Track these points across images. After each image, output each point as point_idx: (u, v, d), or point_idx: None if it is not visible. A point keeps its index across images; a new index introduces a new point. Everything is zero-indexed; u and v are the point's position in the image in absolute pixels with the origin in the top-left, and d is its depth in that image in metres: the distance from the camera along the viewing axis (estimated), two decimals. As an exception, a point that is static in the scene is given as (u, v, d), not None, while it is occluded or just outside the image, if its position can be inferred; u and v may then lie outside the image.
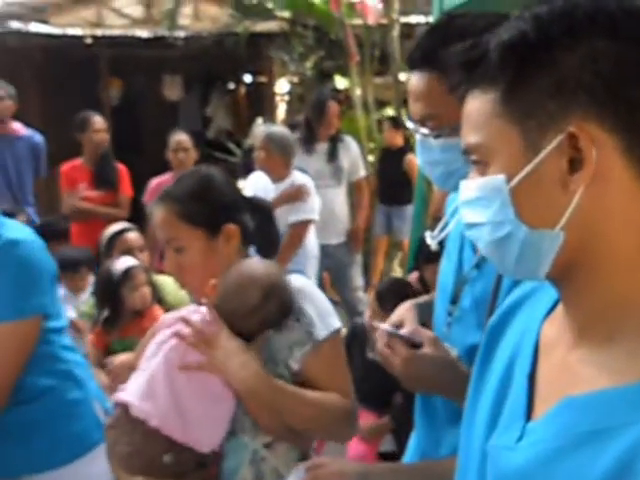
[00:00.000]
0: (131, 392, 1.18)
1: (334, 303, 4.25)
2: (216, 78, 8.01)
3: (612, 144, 0.56)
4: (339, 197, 3.75)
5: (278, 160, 3.17)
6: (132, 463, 1.15)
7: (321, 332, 1.22)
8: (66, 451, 1.50)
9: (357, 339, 2.60)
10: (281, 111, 6.58)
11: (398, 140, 4.71)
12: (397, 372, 1.08)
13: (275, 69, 6.53)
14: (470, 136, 0.63)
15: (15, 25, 6.00)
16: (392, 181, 4.65)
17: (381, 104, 5.63)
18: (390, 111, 5.50)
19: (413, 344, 1.06)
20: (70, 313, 2.85)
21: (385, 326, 1.11)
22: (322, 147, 3.72)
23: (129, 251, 2.51)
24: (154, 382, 1.16)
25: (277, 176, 3.15)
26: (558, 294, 0.64)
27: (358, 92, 5.29)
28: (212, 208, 1.29)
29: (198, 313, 1.23)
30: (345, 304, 3.88)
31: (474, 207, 0.64)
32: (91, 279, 2.75)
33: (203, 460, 1.16)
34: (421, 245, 2.83)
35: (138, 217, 3.58)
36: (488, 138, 0.61)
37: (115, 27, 6.55)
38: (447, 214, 1.15)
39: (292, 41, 5.95)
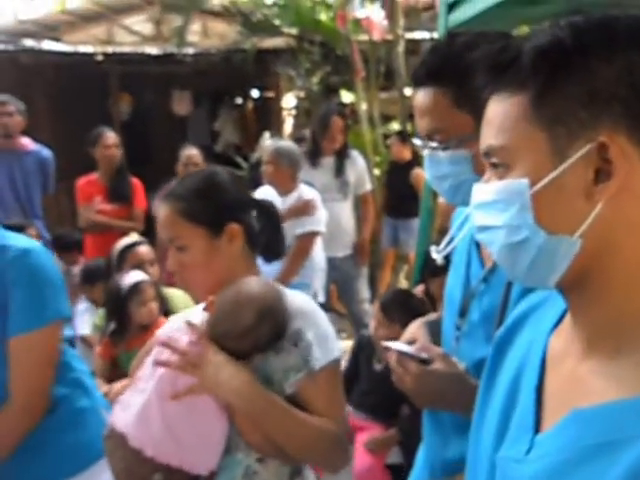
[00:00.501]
0: (126, 420, 1.15)
1: (340, 315, 4.27)
2: (224, 93, 8.07)
3: (638, 158, 0.56)
4: (345, 210, 3.76)
5: (286, 173, 3.20)
6: (125, 478, 1.15)
7: (318, 362, 1.17)
8: (74, 462, 1.47)
9: (364, 351, 2.60)
10: (288, 125, 6.62)
11: (406, 154, 4.73)
12: (408, 389, 1.08)
13: (282, 84, 6.58)
14: (493, 138, 0.62)
15: (28, 43, 6.08)
16: (399, 194, 4.67)
17: (386, 118, 5.65)
18: (396, 125, 5.52)
19: (423, 361, 1.07)
20: (83, 329, 2.87)
21: (395, 345, 1.12)
22: (328, 161, 3.74)
23: (140, 264, 2.53)
24: (148, 410, 1.14)
25: (284, 189, 3.17)
26: (567, 304, 0.64)
27: (364, 107, 5.32)
28: (215, 207, 1.26)
29: (185, 331, 1.19)
30: (351, 316, 3.87)
31: (489, 210, 0.63)
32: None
33: (195, 478, 1.14)
34: (427, 259, 2.84)
35: (149, 230, 3.62)
36: (513, 141, 0.60)
37: (125, 44, 6.63)
38: (453, 228, 1.17)
39: (299, 57, 6.00)
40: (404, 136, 4.82)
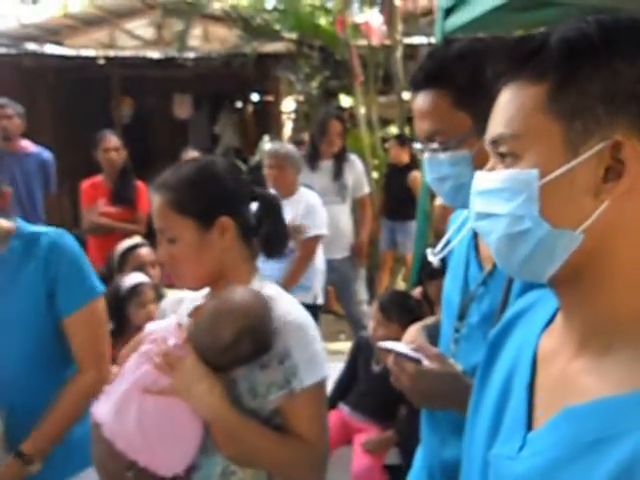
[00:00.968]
0: (104, 409, 1.15)
1: (338, 317, 4.26)
2: (225, 97, 8.09)
3: None
4: (343, 213, 3.77)
5: (290, 177, 3.22)
6: (100, 471, 1.17)
7: (300, 383, 1.13)
8: (82, 456, 1.41)
9: (362, 352, 2.60)
10: (287, 129, 6.63)
11: (404, 157, 4.75)
12: (404, 388, 1.09)
13: (282, 88, 6.59)
14: (505, 127, 0.61)
15: (31, 47, 6.09)
16: (397, 197, 4.68)
17: (385, 122, 5.67)
18: (394, 129, 5.54)
19: (418, 361, 1.08)
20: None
21: (391, 345, 1.12)
22: (326, 164, 3.75)
23: (141, 266, 2.52)
24: (126, 402, 1.13)
25: (287, 192, 3.18)
26: (559, 302, 0.64)
27: (362, 111, 5.33)
28: (206, 198, 1.20)
29: (174, 332, 1.17)
30: (350, 317, 3.88)
31: (493, 197, 0.62)
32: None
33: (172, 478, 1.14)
34: (424, 261, 2.84)
35: (151, 232, 3.61)
36: (526, 131, 0.59)
37: (127, 48, 6.64)
38: (450, 232, 1.17)
39: (298, 61, 6.02)
40: (402, 139, 4.83)
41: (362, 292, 3.88)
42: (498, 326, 0.77)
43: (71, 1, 6.91)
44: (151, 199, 1.22)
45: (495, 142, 0.63)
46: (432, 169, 1.10)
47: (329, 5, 5.97)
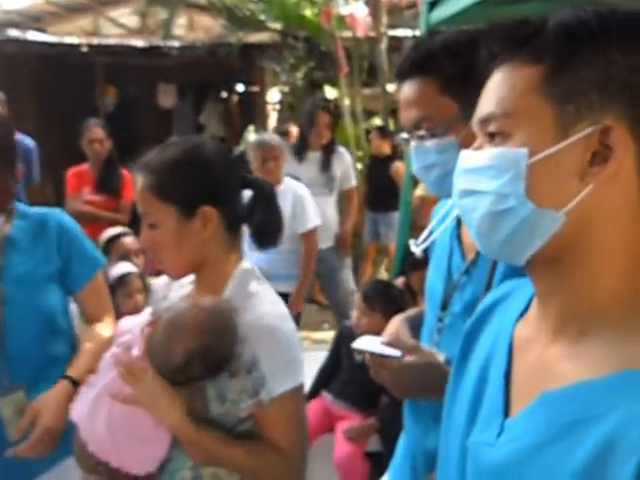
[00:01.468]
0: (79, 409, 1.15)
1: (322, 307, 4.25)
2: (209, 87, 8.01)
3: (633, 149, 0.57)
4: (330, 204, 3.78)
5: (282, 166, 3.23)
6: (77, 463, 1.17)
7: (268, 395, 1.08)
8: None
9: (345, 341, 2.61)
10: (272, 120, 6.60)
11: (385, 148, 4.75)
12: (386, 383, 1.09)
13: (267, 79, 6.55)
14: (496, 106, 0.61)
15: (13, 33, 5.97)
16: (379, 188, 4.68)
17: (369, 114, 5.66)
18: (378, 121, 5.53)
19: (396, 357, 1.08)
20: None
21: (367, 346, 1.11)
22: (314, 156, 3.74)
23: (125, 255, 2.51)
24: (96, 407, 1.13)
25: (277, 182, 3.17)
26: (535, 287, 0.64)
27: (347, 102, 5.32)
28: (188, 186, 1.12)
29: (138, 339, 1.14)
30: (336, 307, 3.89)
31: (479, 175, 0.62)
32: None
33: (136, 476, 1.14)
34: (407, 252, 2.85)
35: (135, 221, 3.59)
36: (518, 111, 0.60)
37: (111, 36, 6.54)
38: (433, 222, 1.17)
39: (283, 52, 5.98)
40: (383, 131, 4.84)
41: (350, 282, 3.89)
42: (474, 316, 0.78)
43: (54, -13, 6.77)
44: (134, 180, 1.16)
45: (485, 121, 0.63)
46: (419, 158, 1.10)
47: (314, -4, 5.92)
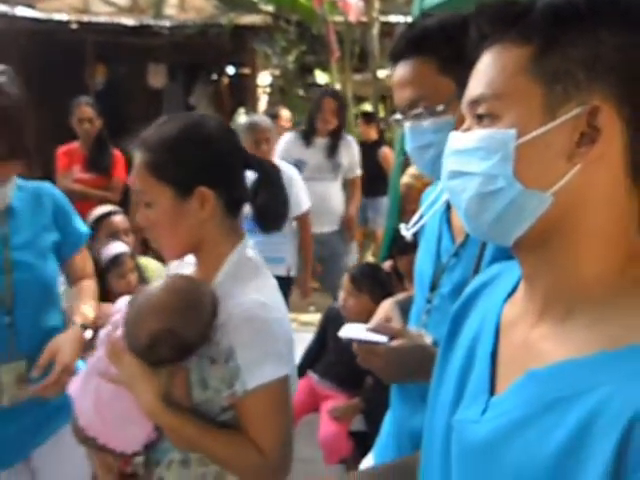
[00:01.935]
0: (75, 385, 1.16)
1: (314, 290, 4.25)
2: (200, 68, 7.91)
3: (620, 131, 0.57)
4: (334, 189, 3.76)
5: (272, 148, 3.22)
6: (73, 430, 1.17)
7: (242, 388, 1.03)
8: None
9: (332, 323, 2.62)
10: (263, 103, 6.55)
11: (372, 134, 4.75)
12: (375, 369, 1.09)
13: (258, 62, 6.48)
14: (486, 87, 0.61)
15: (1, 8, 5.85)
16: (367, 174, 4.67)
17: (359, 100, 5.64)
18: (368, 107, 5.52)
19: (383, 343, 1.08)
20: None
21: (353, 334, 1.11)
22: (321, 141, 3.71)
23: (115, 234, 2.49)
24: (86, 384, 1.13)
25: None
26: (522, 268, 0.65)
27: (338, 87, 5.29)
28: (185, 166, 1.07)
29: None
30: (333, 292, 3.89)
31: (468, 157, 0.62)
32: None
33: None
34: (396, 236, 2.86)
35: (125, 200, 3.57)
36: (507, 92, 0.60)
37: (101, 14, 6.42)
38: (423, 207, 1.18)
39: (275, 35, 5.92)
40: (369, 116, 4.85)
41: None
42: (462, 298, 0.78)
43: (44, -37, 6.62)
44: (134, 156, 1.12)
45: (474, 102, 0.63)
46: (414, 137, 1.09)
47: (307, -21, 5.86)
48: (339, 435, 2.42)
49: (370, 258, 5.07)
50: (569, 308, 0.60)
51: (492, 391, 0.65)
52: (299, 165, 3.60)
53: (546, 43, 0.58)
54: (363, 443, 2.23)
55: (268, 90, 6.52)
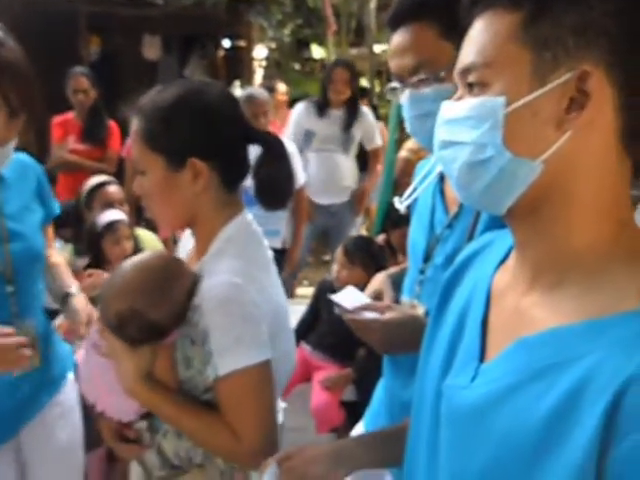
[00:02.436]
0: (79, 353, 1.19)
1: (303, 264, 4.25)
2: (195, 40, 7.79)
3: (610, 97, 0.56)
4: (343, 162, 3.69)
5: (270, 121, 3.21)
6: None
7: (214, 372, 1.00)
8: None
9: (324, 295, 2.63)
10: (258, 76, 6.47)
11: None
12: (371, 341, 1.10)
13: (254, 34, 6.39)
14: (477, 55, 0.60)
15: (-6, -25, 5.70)
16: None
17: (355, 74, 5.57)
18: (364, 82, 5.45)
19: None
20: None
21: (341, 301, 1.13)
22: (336, 113, 3.62)
23: (109, 204, 2.48)
24: (85, 354, 1.14)
25: None
26: (514, 236, 0.65)
27: (334, 61, 5.23)
28: (178, 136, 1.02)
29: None
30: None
31: (459, 126, 0.61)
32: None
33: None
34: (389, 210, 2.86)
35: (120, 172, 3.54)
36: (497, 59, 0.59)
37: (95, -17, 6.28)
38: (416, 180, 1.17)
39: (271, 7, 5.82)
40: (362, 91, 4.77)
41: None
42: (453, 266, 0.78)
43: None
44: (131, 123, 1.08)
45: (465, 71, 0.62)
46: (414, 106, 1.06)
47: (304, -49, 5.74)
48: (331, 405, 2.45)
49: (363, 232, 5.08)
50: (560, 276, 0.60)
51: (482, 358, 0.65)
52: (308, 136, 3.58)
53: (536, 9, 0.57)
54: (354, 413, 2.26)
55: (264, 63, 6.44)
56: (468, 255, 0.77)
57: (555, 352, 0.56)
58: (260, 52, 6.44)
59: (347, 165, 3.72)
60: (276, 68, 6.05)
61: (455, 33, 0.98)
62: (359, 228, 4.53)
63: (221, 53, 8.02)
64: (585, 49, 0.56)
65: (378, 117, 4.55)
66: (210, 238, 1.07)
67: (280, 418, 1.19)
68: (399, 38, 1.05)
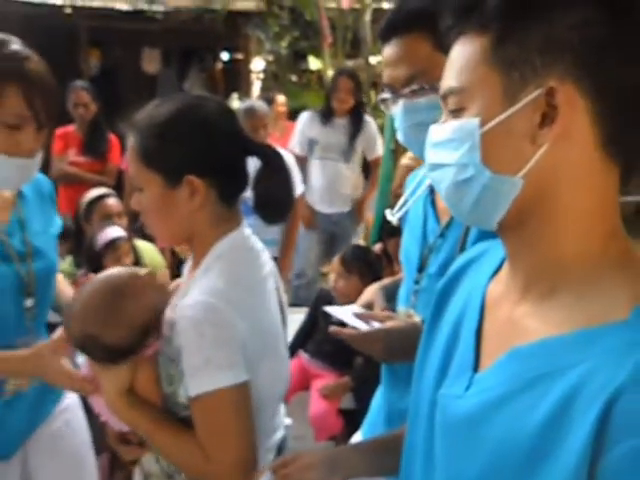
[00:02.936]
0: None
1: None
2: (194, 54, 7.82)
3: (584, 107, 0.56)
4: (344, 171, 3.69)
5: (269, 134, 3.21)
6: None
7: (185, 393, 0.98)
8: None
9: (322, 303, 2.62)
10: (256, 88, 6.49)
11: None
12: (372, 352, 1.09)
13: (251, 47, 6.42)
14: (452, 80, 0.62)
15: (-5, -9, 5.73)
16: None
17: (352, 85, 5.58)
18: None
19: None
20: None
21: (339, 314, 1.12)
22: (340, 122, 3.62)
23: (108, 216, 2.48)
24: (88, 364, 1.13)
25: None
26: (506, 248, 0.65)
27: (330, 73, 5.25)
28: (174, 154, 0.99)
29: None
30: None
31: (443, 149, 0.63)
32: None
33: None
34: (385, 220, 2.86)
35: (119, 185, 3.55)
36: (470, 83, 0.60)
37: (95, -1, 6.31)
38: (407, 192, 1.17)
39: (268, 20, 5.85)
40: None
41: None
42: (447, 275, 0.78)
43: (37, -54, 6.48)
44: (128, 139, 1.06)
45: (445, 96, 0.63)
46: (407, 116, 1.05)
47: (300, -35, 5.77)
48: (329, 413, 2.44)
49: (361, 242, 5.08)
50: (551, 286, 0.60)
51: (476, 368, 0.65)
52: (312, 144, 3.59)
53: (503, 31, 0.58)
54: (352, 421, 2.25)
55: (261, 75, 6.46)
56: (462, 265, 0.77)
57: (546, 362, 0.56)
58: (258, 64, 6.46)
59: (348, 174, 3.72)
60: (273, 80, 6.07)
61: (448, 45, 0.99)
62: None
63: (219, 66, 8.07)
64: (551, 65, 0.56)
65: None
66: (204, 254, 1.04)
67: (279, 435, 1.16)
68: (393, 49, 1.04)
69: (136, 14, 6.04)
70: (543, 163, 0.58)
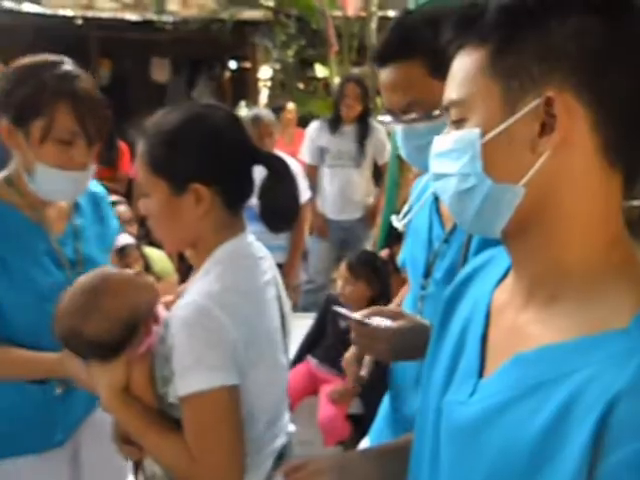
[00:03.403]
0: None
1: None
2: (202, 63, 7.88)
3: (583, 115, 0.56)
4: (355, 177, 3.69)
5: (275, 142, 3.21)
6: None
7: (174, 393, 0.98)
8: None
9: (330, 309, 2.63)
10: (263, 96, 6.52)
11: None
12: (379, 352, 1.07)
13: (259, 56, 6.45)
14: (454, 92, 0.63)
15: (8, 4, 5.81)
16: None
17: (358, 93, 5.60)
18: (366, 100, 5.48)
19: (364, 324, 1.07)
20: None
21: (348, 313, 1.11)
22: (348, 129, 3.63)
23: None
24: None
25: None
26: (509, 255, 0.65)
27: (337, 80, 5.26)
28: (180, 161, 1.00)
29: None
30: None
31: (445, 159, 0.64)
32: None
33: None
34: (392, 226, 2.85)
35: (129, 193, 3.57)
36: (470, 94, 0.61)
37: (105, 10, 6.38)
38: (412, 199, 1.17)
39: (275, 29, 5.88)
40: None
41: None
42: (454, 283, 0.78)
43: (49, -41, 6.56)
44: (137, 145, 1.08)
45: (446, 109, 0.64)
46: (409, 140, 1.05)
47: (306, -26, 5.81)
48: (337, 418, 2.43)
49: (368, 247, 5.07)
50: (554, 293, 0.60)
51: (481, 374, 0.65)
52: (322, 152, 3.60)
53: (500, 42, 0.59)
54: (361, 426, 2.24)
55: (269, 84, 6.49)
56: (469, 272, 0.77)
57: (548, 368, 0.56)
58: (265, 73, 6.50)
59: (359, 180, 3.72)
60: (281, 88, 6.09)
61: (444, 71, 0.98)
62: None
63: (227, 74, 8.12)
64: (549, 74, 0.57)
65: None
66: (206, 258, 1.05)
67: (279, 442, 1.14)
68: (389, 75, 1.04)
69: (145, 25, 6.09)
70: (544, 171, 0.58)
